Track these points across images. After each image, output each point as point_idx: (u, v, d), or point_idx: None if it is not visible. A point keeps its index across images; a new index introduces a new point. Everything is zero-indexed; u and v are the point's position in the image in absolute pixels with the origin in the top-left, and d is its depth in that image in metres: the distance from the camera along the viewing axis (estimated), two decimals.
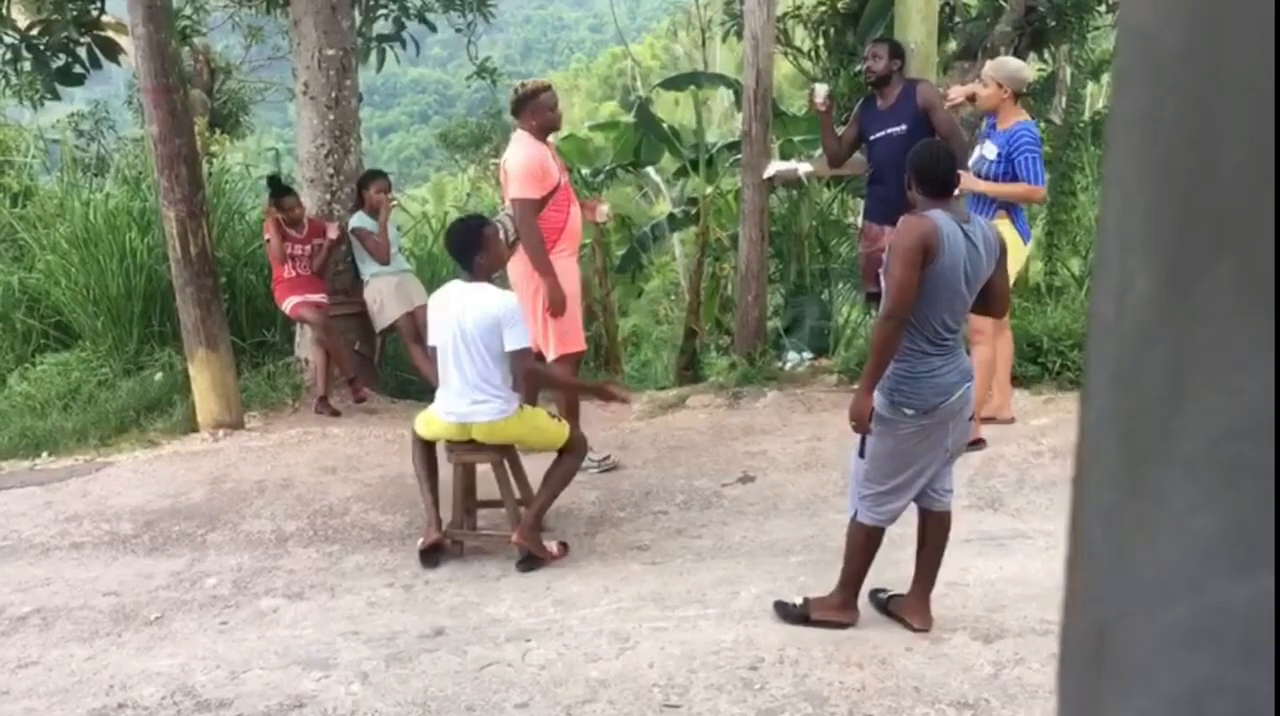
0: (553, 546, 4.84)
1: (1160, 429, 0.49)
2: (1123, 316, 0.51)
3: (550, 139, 5.90)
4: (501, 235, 5.62)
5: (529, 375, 4.82)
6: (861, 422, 3.56)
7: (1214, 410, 0.46)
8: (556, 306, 5.52)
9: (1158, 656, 0.48)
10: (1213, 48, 0.46)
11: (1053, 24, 8.82)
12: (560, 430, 4.87)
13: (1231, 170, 0.45)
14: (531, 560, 4.71)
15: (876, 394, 3.55)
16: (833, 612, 3.83)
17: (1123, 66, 0.53)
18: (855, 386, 6.72)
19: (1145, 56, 0.50)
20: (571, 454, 4.89)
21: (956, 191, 5.44)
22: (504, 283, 5.41)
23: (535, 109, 5.62)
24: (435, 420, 4.78)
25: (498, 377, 4.64)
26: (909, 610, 3.83)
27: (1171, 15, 0.48)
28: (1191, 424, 0.47)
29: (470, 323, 4.61)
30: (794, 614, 3.88)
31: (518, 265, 5.66)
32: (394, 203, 7.61)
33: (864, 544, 3.74)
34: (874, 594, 3.99)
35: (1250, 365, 0.44)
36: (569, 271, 5.67)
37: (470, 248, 4.72)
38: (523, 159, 5.54)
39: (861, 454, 3.66)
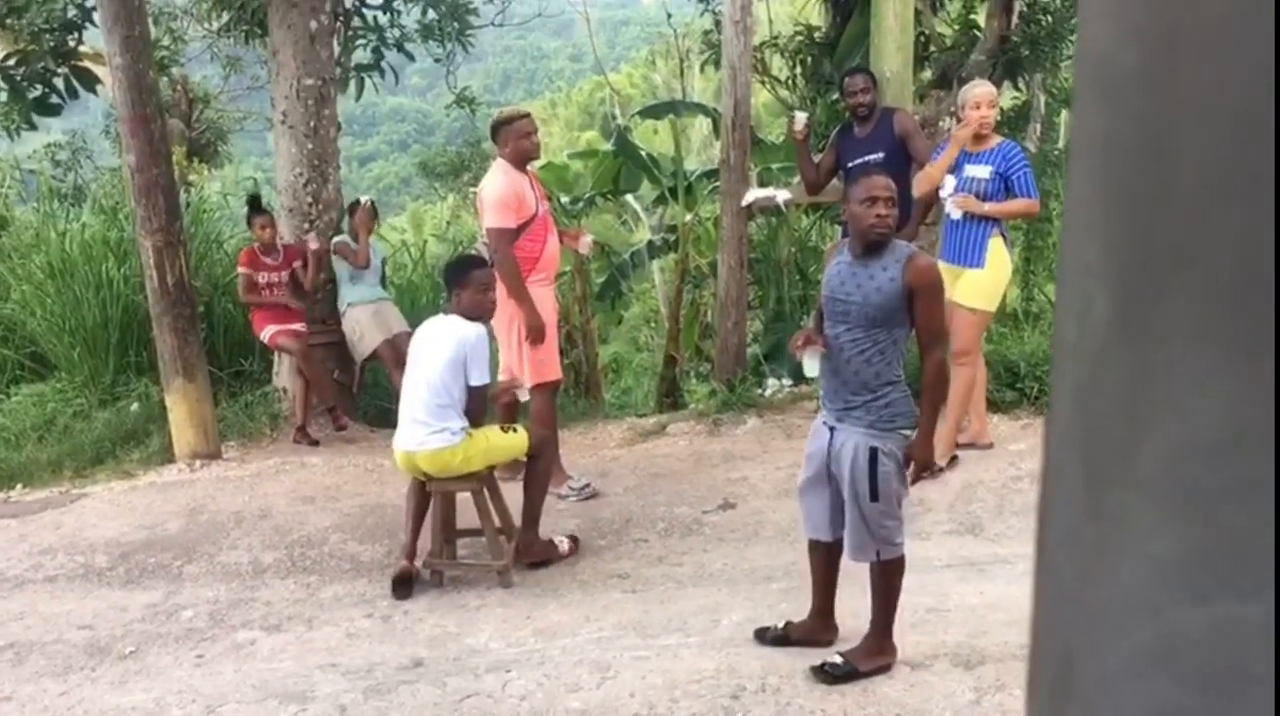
0: (564, 544, 5.01)
1: (1119, 450, 0.48)
2: (1083, 338, 0.51)
3: (531, 167, 5.90)
4: None
5: (479, 410, 4.83)
6: (929, 468, 3.65)
7: (1171, 431, 0.46)
8: (534, 334, 5.52)
9: (1120, 681, 0.47)
10: (1167, 68, 0.46)
11: (1027, 53, 8.92)
12: (518, 440, 4.91)
13: (1186, 189, 0.45)
14: (544, 562, 4.94)
15: (880, 437, 3.54)
16: (881, 658, 3.70)
17: (1081, 90, 0.53)
18: None
19: (1103, 79, 0.50)
20: (540, 456, 4.98)
21: (958, 214, 5.56)
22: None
23: (509, 135, 5.63)
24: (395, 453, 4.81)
25: (449, 405, 4.65)
26: (818, 630, 3.92)
27: (1128, 37, 0.48)
28: (1149, 446, 0.47)
29: (434, 353, 4.66)
30: (842, 673, 3.64)
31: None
32: (367, 203, 7.56)
33: (898, 578, 3.67)
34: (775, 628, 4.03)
35: (1205, 386, 0.44)
36: (545, 300, 5.67)
37: (451, 279, 4.84)
38: (498, 188, 5.56)
39: (875, 497, 3.55)
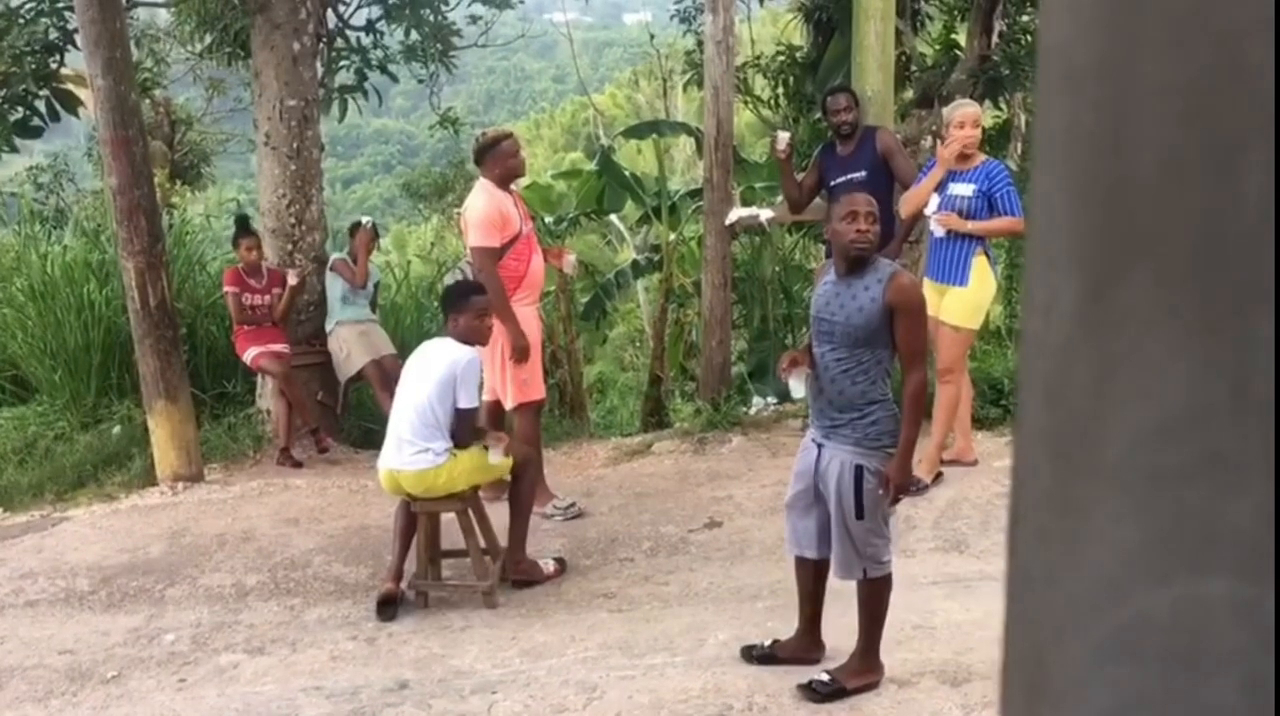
0: (549, 566, 4.99)
1: (1085, 441, 0.49)
2: (1050, 331, 0.52)
3: (514, 187, 5.91)
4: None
5: (466, 432, 4.77)
6: (906, 489, 3.64)
7: (1134, 417, 0.46)
8: (519, 353, 5.51)
9: (1088, 673, 0.47)
10: (1124, 57, 0.47)
11: (1007, 73, 8.98)
12: (501, 460, 4.89)
13: (1143, 175, 0.46)
14: (529, 582, 4.92)
15: (866, 454, 3.55)
16: (868, 676, 3.69)
17: (1043, 83, 0.54)
18: None
19: (1063, 71, 0.51)
20: (524, 476, 4.98)
21: (942, 232, 5.59)
22: None
23: (496, 157, 5.65)
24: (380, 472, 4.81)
25: (434, 426, 4.64)
26: (805, 648, 3.91)
27: (1087, 28, 0.49)
28: (1114, 433, 0.47)
29: (424, 374, 4.68)
30: (829, 691, 3.62)
31: None
32: (369, 225, 7.67)
33: (886, 596, 3.67)
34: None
35: (1165, 370, 0.45)
36: (529, 319, 5.67)
37: (448, 304, 4.87)
38: (482, 207, 5.56)
39: (860, 515, 3.55)
